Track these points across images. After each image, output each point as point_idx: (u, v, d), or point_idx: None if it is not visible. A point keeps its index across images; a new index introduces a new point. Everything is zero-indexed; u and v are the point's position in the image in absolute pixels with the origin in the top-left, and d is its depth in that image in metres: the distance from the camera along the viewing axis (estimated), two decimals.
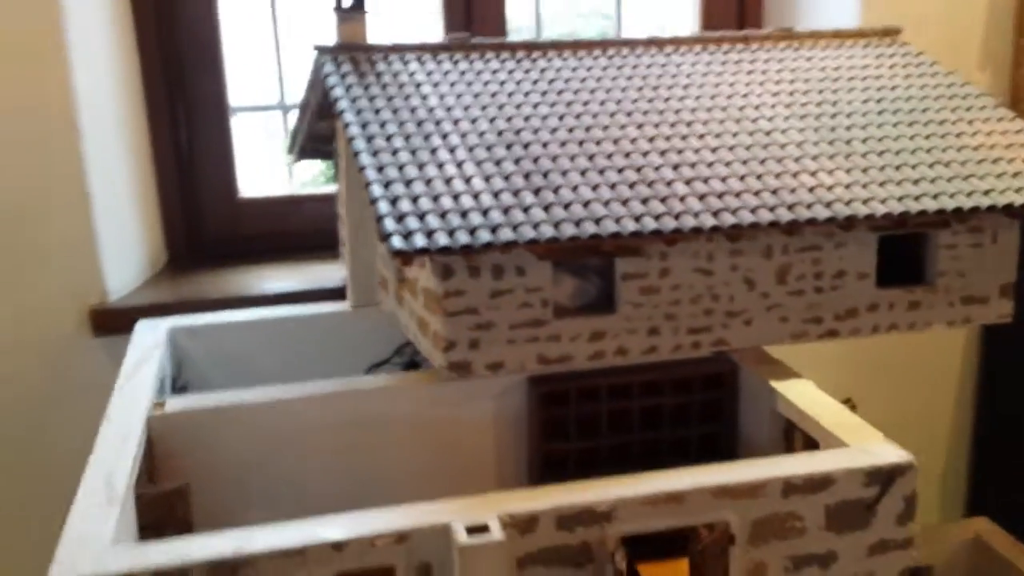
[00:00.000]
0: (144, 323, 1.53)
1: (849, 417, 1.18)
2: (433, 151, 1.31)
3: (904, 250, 1.44)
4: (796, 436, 1.26)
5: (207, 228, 2.05)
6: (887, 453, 1.08)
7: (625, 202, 1.25)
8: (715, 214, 1.25)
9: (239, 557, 0.93)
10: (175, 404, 1.25)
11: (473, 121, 1.38)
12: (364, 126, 1.34)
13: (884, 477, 1.07)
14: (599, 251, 1.26)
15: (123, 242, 1.87)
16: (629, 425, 1.36)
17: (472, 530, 0.96)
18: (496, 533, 0.96)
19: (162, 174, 2.01)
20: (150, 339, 1.46)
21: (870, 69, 1.65)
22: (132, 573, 0.91)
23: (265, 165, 2.12)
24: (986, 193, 1.35)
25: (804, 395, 1.25)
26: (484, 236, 1.17)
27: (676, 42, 1.62)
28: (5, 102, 1.67)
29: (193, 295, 1.85)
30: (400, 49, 1.49)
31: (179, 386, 1.49)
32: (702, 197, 1.28)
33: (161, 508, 1.12)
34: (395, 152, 1.29)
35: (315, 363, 1.55)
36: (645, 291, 1.32)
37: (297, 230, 2.07)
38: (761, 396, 1.31)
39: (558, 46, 1.57)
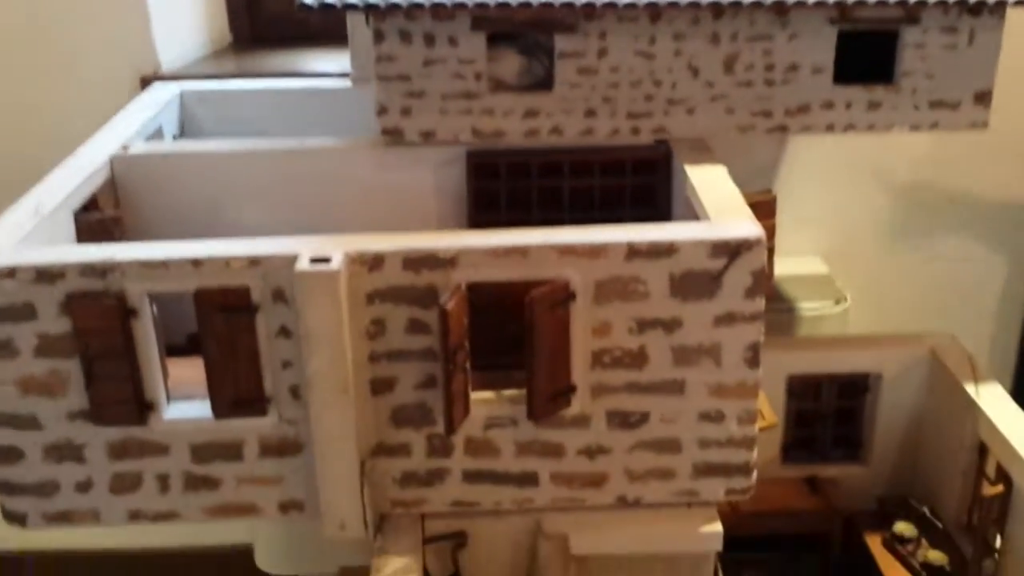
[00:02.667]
0: (159, 85, 1.67)
1: (734, 201, 1.20)
2: None
3: (874, 52, 1.40)
4: None
5: (267, 10, 2.17)
6: (738, 228, 1.10)
7: None
8: None
9: (108, 262, 1.06)
10: (138, 147, 1.39)
11: None
12: None
13: (730, 250, 1.09)
14: (514, 22, 1.29)
15: (179, 20, 2.02)
16: (559, 203, 1.41)
17: (316, 260, 1.06)
18: (335, 264, 1.05)
19: None
20: (155, 98, 1.60)
21: None
22: (15, 267, 1.06)
23: None
24: None
25: (708, 179, 1.26)
26: None
27: None
28: None
29: (242, 71, 1.99)
30: None
31: None
32: None
33: (98, 233, 1.26)
34: None
35: (313, 132, 1.64)
36: (582, 71, 1.35)
37: None
38: (685, 182, 1.33)
39: None
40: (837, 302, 2.00)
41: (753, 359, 1.14)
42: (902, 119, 1.40)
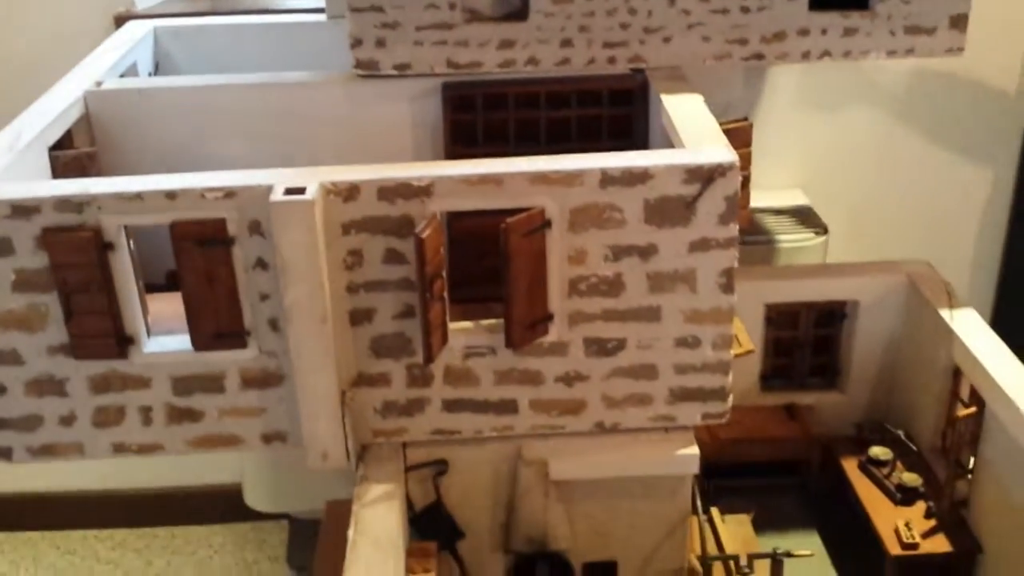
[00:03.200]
0: (133, 23, 1.65)
1: (709, 128, 1.20)
2: None
3: None
4: None
5: None
6: (712, 154, 1.11)
7: None
8: None
9: (83, 196, 1.06)
10: (112, 83, 1.38)
11: None
12: None
13: (704, 175, 1.10)
14: None
15: None
16: (536, 135, 1.41)
17: (291, 191, 1.06)
18: (310, 194, 1.06)
19: None
20: (128, 35, 1.58)
21: None
22: None
23: None
24: None
25: (683, 108, 1.26)
26: None
27: None
28: None
29: (216, 9, 1.98)
30: None
31: None
32: None
33: (73, 169, 1.26)
34: None
35: (289, 68, 1.63)
36: (558, 0, 1.34)
37: None
38: (661, 111, 1.33)
39: None
40: (818, 233, 2.01)
41: (728, 284, 1.15)
42: (878, 45, 1.40)
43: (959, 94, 2.10)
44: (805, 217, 2.06)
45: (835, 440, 1.55)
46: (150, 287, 1.22)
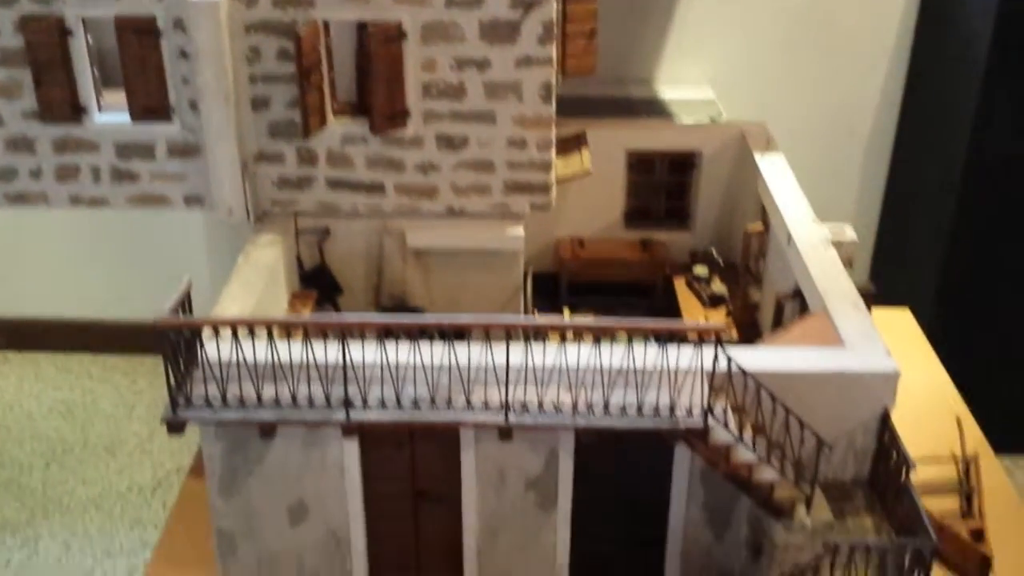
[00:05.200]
0: None
1: None
2: None
3: None
4: None
5: None
6: None
7: None
8: None
9: None
10: None
11: None
12: None
13: (525, 3, 1.42)
14: None
15: None
16: None
17: None
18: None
19: None
20: None
21: None
22: None
23: None
24: None
25: None
26: None
27: None
28: None
29: None
30: None
31: None
32: None
33: None
34: None
35: None
36: None
37: None
38: None
39: None
40: (713, 119, 2.31)
41: (547, 96, 1.47)
42: None
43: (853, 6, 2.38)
44: (706, 106, 2.36)
45: (675, 266, 1.86)
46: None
